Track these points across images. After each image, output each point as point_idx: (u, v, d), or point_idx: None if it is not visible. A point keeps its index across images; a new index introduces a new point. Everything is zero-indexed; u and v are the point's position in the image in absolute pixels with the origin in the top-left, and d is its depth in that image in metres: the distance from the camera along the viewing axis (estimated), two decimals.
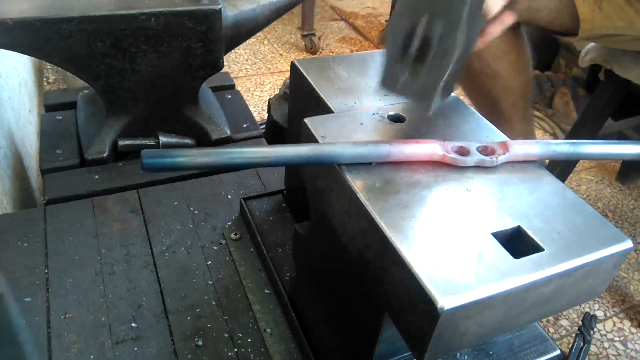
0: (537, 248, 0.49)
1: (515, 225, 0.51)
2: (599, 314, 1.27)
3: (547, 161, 1.37)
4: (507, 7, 0.64)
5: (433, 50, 0.53)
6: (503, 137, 0.63)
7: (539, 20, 1.08)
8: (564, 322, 1.24)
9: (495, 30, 0.65)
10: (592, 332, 0.97)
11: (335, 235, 0.60)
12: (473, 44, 0.58)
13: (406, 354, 0.65)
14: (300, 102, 0.82)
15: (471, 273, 0.45)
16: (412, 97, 0.59)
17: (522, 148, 0.58)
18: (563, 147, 0.59)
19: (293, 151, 0.54)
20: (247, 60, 2.26)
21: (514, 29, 1.13)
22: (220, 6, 0.99)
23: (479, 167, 0.57)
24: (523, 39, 1.17)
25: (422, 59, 0.54)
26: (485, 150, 0.58)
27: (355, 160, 0.54)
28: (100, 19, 0.93)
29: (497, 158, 0.57)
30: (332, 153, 0.54)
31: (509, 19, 0.66)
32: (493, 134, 0.63)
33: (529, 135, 1.30)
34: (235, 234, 0.95)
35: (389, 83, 0.59)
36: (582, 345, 0.95)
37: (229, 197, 1.04)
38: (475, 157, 0.56)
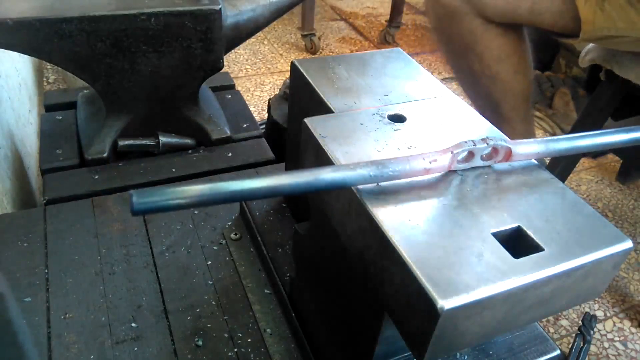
0: (537, 248, 0.49)
1: (515, 225, 0.51)
2: (599, 314, 1.27)
3: (547, 161, 1.37)
4: None
5: None
6: (504, 137, 0.63)
7: (541, 22, 1.08)
8: (564, 322, 1.24)
9: None
10: (592, 332, 0.97)
11: (335, 235, 0.60)
12: None
13: (406, 354, 0.65)
14: (300, 102, 0.82)
15: (471, 273, 0.45)
16: None
17: (525, 148, 0.57)
18: (561, 143, 0.59)
19: (300, 179, 0.48)
20: (247, 60, 2.26)
21: (516, 31, 1.13)
22: (220, 6, 0.99)
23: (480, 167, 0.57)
24: (525, 41, 1.17)
25: None
26: (489, 156, 0.57)
27: (369, 183, 0.51)
28: (100, 19, 0.93)
29: (498, 160, 0.56)
30: (337, 179, 0.49)
31: None
32: (493, 135, 0.63)
33: (529, 136, 1.30)
34: (235, 234, 0.95)
35: None
36: (582, 345, 0.95)
37: None
38: (479, 161, 0.56)
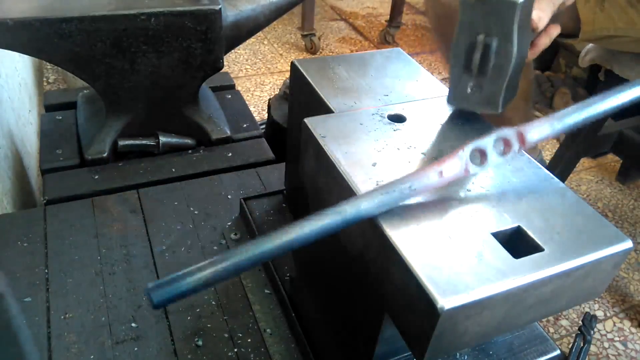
0: (537, 248, 0.48)
1: (515, 225, 0.51)
2: (599, 314, 1.27)
3: (547, 161, 1.37)
4: (552, 21, 0.70)
5: (491, 62, 0.61)
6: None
7: None
8: (564, 322, 1.24)
9: (544, 42, 0.73)
10: (592, 332, 0.97)
11: (335, 235, 0.60)
12: (525, 54, 0.66)
13: (406, 354, 0.65)
14: (300, 102, 0.82)
15: (471, 273, 0.45)
16: (480, 106, 0.65)
17: (537, 132, 0.53)
18: (571, 117, 0.54)
19: (317, 224, 0.46)
20: (247, 60, 2.26)
21: None
22: (220, 6, 0.99)
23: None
24: None
25: (484, 72, 0.62)
26: (503, 150, 0.54)
27: (384, 210, 0.50)
28: (100, 19, 0.93)
29: (515, 150, 0.53)
30: (358, 214, 0.48)
31: (554, 31, 0.74)
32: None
33: None
34: (235, 234, 0.95)
35: (457, 98, 0.65)
36: (582, 345, 0.95)
37: (229, 197, 1.04)
38: (495, 159, 0.53)
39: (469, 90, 0.64)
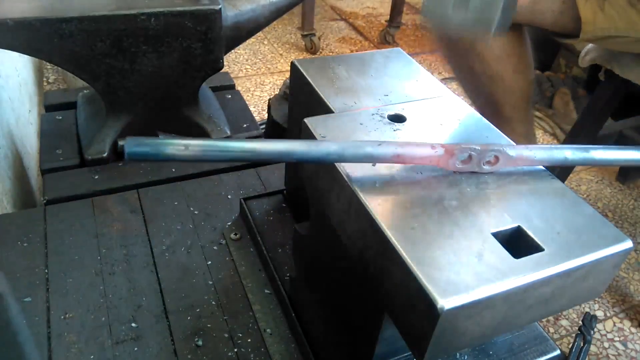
0: (537, 248, 0.49)
1: (515, 225, 0.51)
2: (599, 314, 1.27)
3: None
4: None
5: None
6: (504, 137, 0.63)
7: (542, 22, 1.08)
8: (564, 322, 1.24)
9: None
10: (592, 332, 0.97)
11: (335, 235, 0.60)
12: None
13: (406, 354, 0.65)
14: (300, 102, 0.82)
15: (471, 273, 0.45)
16: (467, 24, 0.54)
17: (528, 153, 0.56)
18: (564, 153, 0.57)
19: (288, 146, 0.50)
20: (247, 60, 2.26)
21: (517, 30, 1.13)
22: (220, 6, 0.99)
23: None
24: (525, 41, 1.17)
25: None
26: (490, 162, 0.56)
27: (359, 161, 0.53)
28: (100, 19, 0.93)
29: (501, 165, 0.56)
30: (333, 152, 0.51)
31: None
32: (493, 135, 0.63)
33: (529, 136, 1.30)
34: (235, 234, 0.95)
35: (435, 11, 0.54)
36: (582, 345, 0.95)
37: (229, 197, 1.04)
38: (481, 166, 0.56)
39: (451, 9, 0.52)
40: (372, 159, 0.52)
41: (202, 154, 0.49)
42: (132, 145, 0.44)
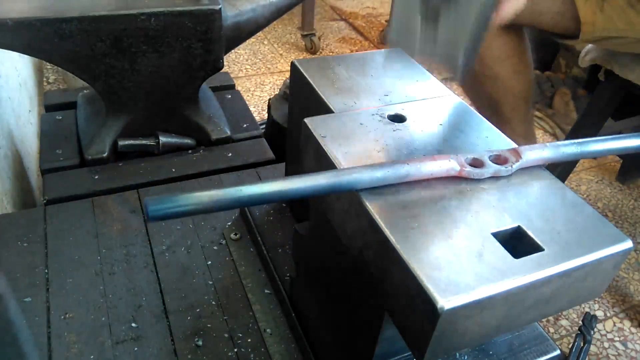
0: (537, 248, 0.48)
1: (515, 225, 0.51)
2: (599, 314, 1.27)
3: None
4: None
5: (452, 9, 0.50)
6: (504, 138, 0.63)
7: (542, 23, 1.08)
8: (564, 322, 1.24)
9: (510, 6, 0.63)
10: (592, 332, 0.97)
11: (335, 235, 0.60)
12: (489, 16, 0.55)
13: (406, 354, 0.65)
14: (300, 102, 0.82)
15: (471, 273, 0.45)
16: (436, 57, 0.54)
17: (534, 153, 0.56)
18: (571, 148, 0.58)
19: (310, 182, 0.49)
20: (247, 60, 2.26)
21: (516, 31, 1.13)
22: (220, 6, 0.99)
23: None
24: (525, 41, 1.17)
25: (440, 20, 0.50)
26: (499, 159, 0.57)
27: (375, 185, 0.52)
28: (100, 19, 0.93)
29: (512, 167, 0.56)
30: (351, 180, 0.50)
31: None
32: (493, 135, 0.63)
33: (529, 137, 1.30)
34: (235, 234, 0.95)
35: (402, 38, 0.53)
36: (582, 345, 0.95)
37: None
38: (491, 169, 0.55)
39: (419, 34, 0.51)
40: (385, 182, 0.52)
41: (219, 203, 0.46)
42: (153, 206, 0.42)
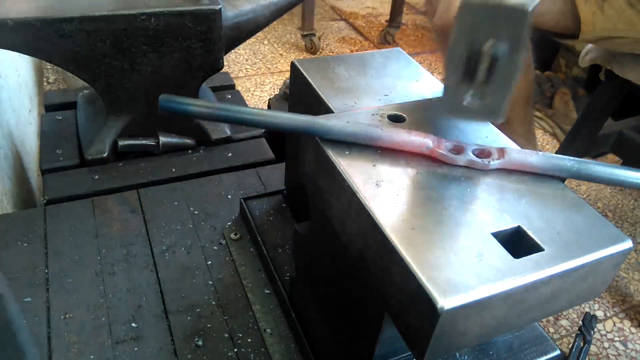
0: (537, 248, 0.48)
1: (515, 225, 0.51)
2: (599, 314, 1.27)
3: None
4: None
5: (500, 70, 0.55)
6: (504, 138, 0.63)
7: (542, 23, 1.08)
8: (564, 322, 1.24)
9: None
10: (592, 332, 0.97)
11: (335, 235, 0.60)
12: (525, 59, 0.61)
13: (406, 354, 0.65)
14: (300, 102, 0.82)
15: (471, 273, 0.45)
16: (480, 116, 0.60)
17: (520, 157, 0.57)
18: (565, 162, 0.56)
19: (290, 118, 0.59)
20: (247, 60, 2.26)
21: None
22: (220, 6, 0.99)
23: (472, 168, 0.56)
24: None
25: (488, 81, 0.56)
26: (482, 153, 0.57)
27: (345, 138, 0.57)
28: (100, 19, 0.93)
29: (489, 162, 0.56)
30: (324, 126, 0.58)
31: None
32: (494, 135, 0.63)
33: (530, 137, 1.30)
34: (235, 234, 0.95)
35: (454, 109, 0.60)
36: (582, 345, 0.95)
37: (229, 197, 1.04)
38: (466, 157, 0.56)
39: (467, 99, 0.58)
40: (355, 138, 0.58)
41: (217, 113, 0.62)
42: (164, 100, 0.63)
